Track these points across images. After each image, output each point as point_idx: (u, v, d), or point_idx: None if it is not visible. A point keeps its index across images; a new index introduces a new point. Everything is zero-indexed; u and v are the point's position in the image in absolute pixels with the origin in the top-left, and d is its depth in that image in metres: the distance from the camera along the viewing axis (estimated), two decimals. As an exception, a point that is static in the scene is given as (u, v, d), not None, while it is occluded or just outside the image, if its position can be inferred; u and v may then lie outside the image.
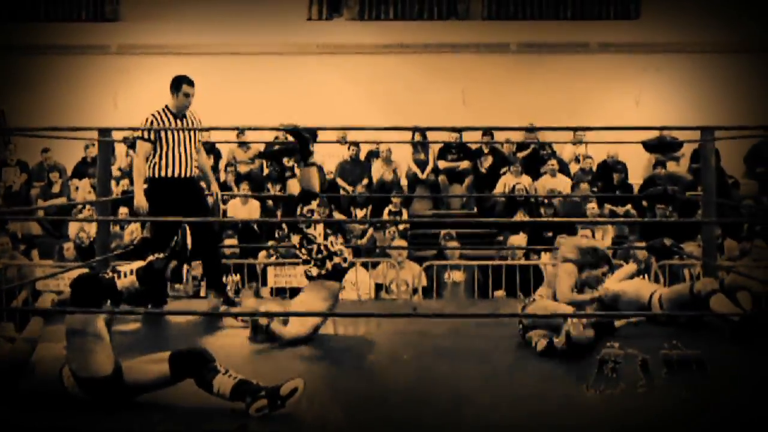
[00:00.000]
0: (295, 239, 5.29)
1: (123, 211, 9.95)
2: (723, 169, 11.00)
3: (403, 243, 9.65)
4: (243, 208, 10.67)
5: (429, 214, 11.71)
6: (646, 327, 5.28)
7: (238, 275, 8.63)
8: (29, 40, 12.89)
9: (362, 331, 5.60)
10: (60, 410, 3.66)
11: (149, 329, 5.64)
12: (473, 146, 11.97)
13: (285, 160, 5.61)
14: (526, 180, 11.22)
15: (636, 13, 13.10)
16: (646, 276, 8.48)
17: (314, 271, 5.24)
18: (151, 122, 5.84)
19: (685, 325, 5.29)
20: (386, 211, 10.80)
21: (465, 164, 11.80)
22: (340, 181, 11.73)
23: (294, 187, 5.59)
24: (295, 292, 5.55)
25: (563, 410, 3.74)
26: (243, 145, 11.65)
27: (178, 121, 5.91)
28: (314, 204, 5.41)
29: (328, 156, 11.95)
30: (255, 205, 10.74)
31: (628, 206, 10.88)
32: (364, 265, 8.84)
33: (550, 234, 9.92)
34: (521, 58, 13.06)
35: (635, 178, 11.76)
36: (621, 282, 5.66)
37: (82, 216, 10.33)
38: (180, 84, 5.88)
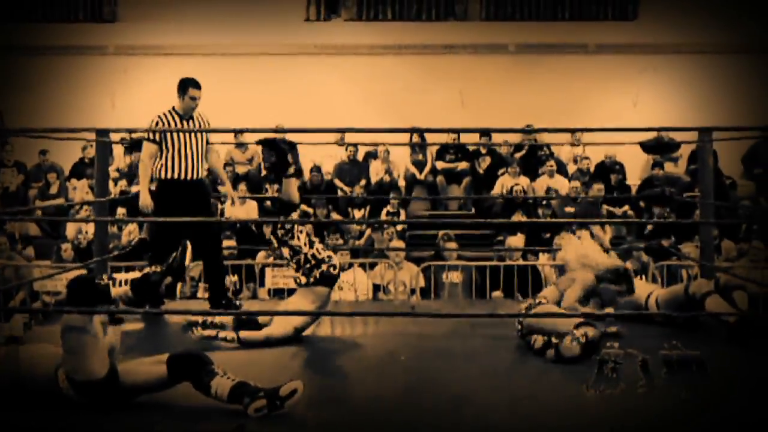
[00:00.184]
0: (285, 251, 5.31)
1: (121, 211, 9.94)
2: (720, 170, 11.00)
3: (401, 244, 9.65)
4: (241, 209, 10.65)
5: (427, 215, 11.71)
6: (646, 327, 5.29)
7: (236, 276, 8.62)
8: (26, 41, 12.87)
9: (360, 332, 5.61)
10: (57, 410, 3.66)
11: (146, 330, 5.64)
12: (471, 147, 11.97)
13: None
14: (524, 181, 11.22)
15: (634, 14, 13.11)
16: (643, 277, 8.49)
17: (303, 280, 5.27)
18: (157, 123, 5.85)
19: (681, 326, 5.30)
20: (384, 211, 10.79)
21: (463, 165, 11.81)
22: (338, 182, 11.73)
23: (291, 191, 5.55)
24: (293, 293, 5.57)
25: (563, 410, 3.74)
26: (241, 146, 11.64)
27: (185, 123, 5.90)
28: (295, 214, 5.42)
29: (326, 157, 11.96)
30: (252, 205, 10.72)
31: (626, 207, 10.88)
32: (362, 265, 8.84)
33: (548, 235, 9.93)
34: (519, 58, 13.07)
35: (633, 179, 11.75)
36: None
37: (80, 217, 10.31)
38: (186, 87, 5.88)
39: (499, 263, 8.71)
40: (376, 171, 11.78)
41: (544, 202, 10.56)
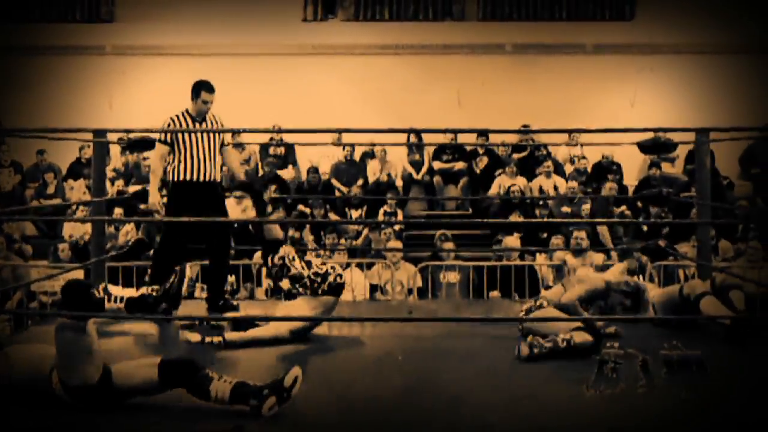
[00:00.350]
0: (285, 283, 5.34)
1: (118, 211, 9.93)
2: (718, 170, 11.02)
3: (399, 244, 9.65)
4: (237, 208, 10.64)
5: (424, 215, 11.72)
6: (643, 328, 5.29)
7: (233, 276, 8.61)
8: (24, 41, 12.85)
9: (356, 332, 5.60)
10: (53, 410, 3.66)
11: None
12: (468, 147, 11.98)
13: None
14: (521, 181, 11.23)
15: (631, 14, 13.12)
16: (641, 277, 8.48)
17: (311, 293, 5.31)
18: (168, 125, 5.86)
19: (677, 326, 5.30)
20: (381, 211, 10.79)
21: (460, 165, 11.82)
22: (335, 182, 11.73)
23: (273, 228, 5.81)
24: (290, 293, 5.58)
25: (563, 410, 3.74)
26: (238, 146, 11.63)
27: (197, 125, 5.91)
28: (282, 250, 5.45)
29: (324, 157, 11.97)
30: (249, 205, 10.71)
31: (623, 207, 10.89)
32: (359, 266, 8.84)
33: (544, 235, 9.94)
34: (516, 59, 13.08)
35: (630, 180, 11.78)
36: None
37: (77, 217, 10.31)
38: (199, 90, 5.88)
39: (496, 263, 8.72)
40: (374, 171, 11.79)
41: (541, 203, 10.57)
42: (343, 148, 11.75)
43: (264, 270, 5.53)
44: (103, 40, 13.12)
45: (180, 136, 5.81)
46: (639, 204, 10.51)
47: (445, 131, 11.34)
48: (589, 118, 11.69)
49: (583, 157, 11.77)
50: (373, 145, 11.53)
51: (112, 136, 6.75)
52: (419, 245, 10.26)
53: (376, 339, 5.37)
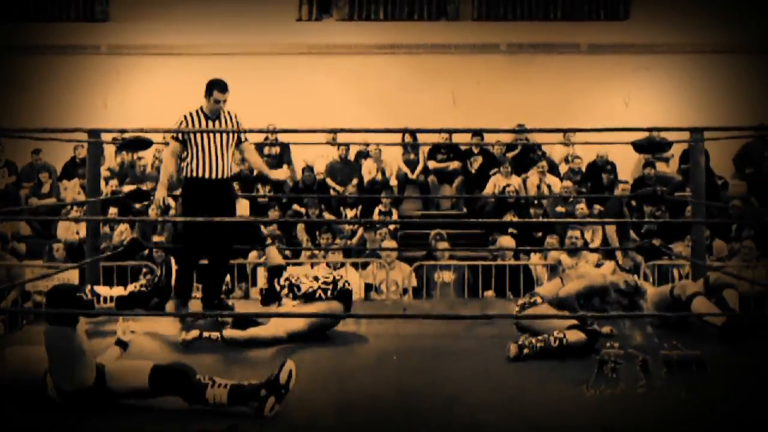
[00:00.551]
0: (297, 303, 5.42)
1: (112, 211, 9.91)
2: (712, 170, 11.04)
3: (393, 243, 9.65)
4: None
5: (419, 215, 11.72)
6: (640, 328, 5.30)
7: (228, 275, 8.59)
8: (18, 40, 12.80)
9: (352, 331, 5.60)
10: (48, 410, 3.65)
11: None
12: (463, 147, 11.98)
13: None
14: (515, 180, 11.24)
15: (625, 13, 13.13)
16: (635, 276, 8.50)
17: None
18: (181, 123, 5.89)
19: (671, 326, 5.31)
20: (376, 211, 10.79)
21: (455, 165, 11.82)
22: (329, 182, 11.73)
23: (273, 256, 5.85)
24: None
25: (562, 410, 3.75)
26: (234, 145, 11.61)
27: (210, 123, 5.92)
28: (287, 272, 5.56)
29: (318, 156, 11.96)
30: (245, 204, 10.72)
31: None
32: (354, 265, 8.84)
33: (539, 234, 9.95)
34: (511, 58, 13.08)
35: (625, 179, 11.78)
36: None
37: (71, 216, 10.29)
38: (212, 89, 5.91)
39: (491, 263, 8.72)
40: (368, 170, 11.78)
41: (536, 202, 10.58)
42: (338, 148, 11.75)
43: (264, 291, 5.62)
44: (98, 39, 13.08)
45: (192, 133, 5.84)
46: (633, 203, 10.52)
47: (440, 131, 11.32)
48: (584, 117, 11.70)
49: (578, 157, 11.78)
50: (368, 144, 11.53)
51: (106, 136, 6.76)
52: (414, 245, 10.25)
53: (371, 338, 5.38)
